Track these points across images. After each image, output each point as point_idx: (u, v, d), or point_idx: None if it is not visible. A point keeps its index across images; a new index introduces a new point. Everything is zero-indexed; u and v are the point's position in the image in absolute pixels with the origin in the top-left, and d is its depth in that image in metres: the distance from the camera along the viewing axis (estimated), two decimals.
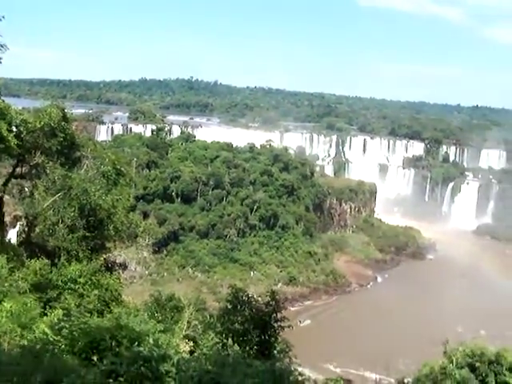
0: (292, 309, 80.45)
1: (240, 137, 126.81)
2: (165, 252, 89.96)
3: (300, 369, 12.88)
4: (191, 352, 15.06)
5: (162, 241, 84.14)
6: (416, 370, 24.98)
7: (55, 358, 9.43)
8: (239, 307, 15.66)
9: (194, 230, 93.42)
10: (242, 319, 15.33)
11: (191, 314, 16.69)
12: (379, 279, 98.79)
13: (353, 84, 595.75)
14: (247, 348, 14.63)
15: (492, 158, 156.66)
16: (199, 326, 16.73)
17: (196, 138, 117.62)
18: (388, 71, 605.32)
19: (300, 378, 12.06)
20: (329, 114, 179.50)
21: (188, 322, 16.29)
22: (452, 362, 22.20)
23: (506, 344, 24.37)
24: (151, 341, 10.20)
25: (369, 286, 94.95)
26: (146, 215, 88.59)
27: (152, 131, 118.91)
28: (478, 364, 21.71)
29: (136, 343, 9.90)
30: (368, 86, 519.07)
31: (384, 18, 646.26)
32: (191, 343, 16.07)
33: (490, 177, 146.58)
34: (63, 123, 22.80)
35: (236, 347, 14.05)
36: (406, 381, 25.14)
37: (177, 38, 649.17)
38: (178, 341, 14.72)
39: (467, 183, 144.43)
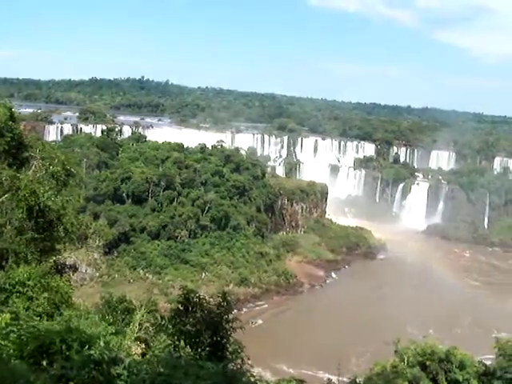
0: (244, 309, 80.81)
1: (191, 137, 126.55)
2: (116, 253, 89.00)
3: (252, 370, 12.92)
4: (143, 354, 14.91)
5: (112, 242, 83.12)
6: (368, 369, 25.32)
7: (3, 364, 9.22)
8: (190, 309, 15.61)
9: (145, 231, 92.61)
10: (193, 321, 15.27)
11: (143, 316, 16.49)
12: (331, 279, 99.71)
13: (304, 85, 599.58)
14: (199, 350, 14.57)
15: (442, 159, 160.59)
16: (151, 328, 16.55)
17: (147, 139, 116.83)
18: (339, 72, 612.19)
19: (252, 379, 12.10)
20: (280, 114, 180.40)
21: (139, 323, 16.09)
22: (403, 360, 22.78)
23: (456, 343, 25.02)
24: (102, 343, 10.05)
25: (320, 286, 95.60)
26: (96, 216, 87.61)
27: (102, 131, 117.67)
28: (428, 362, 22.34)
29: (87, 346, 9.74)
30: (319, 87, 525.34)
31: (335, 19, 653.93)
32: (143, 345, 15.90)
33: (440, 177, 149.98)
34: (10, 123, 22.26)
35: (188, 349, 13.99)
36: (358, 380, 25.33)
37: (127, 37, 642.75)
38: (129, 343, 14.55)
39: (417, 184, 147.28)
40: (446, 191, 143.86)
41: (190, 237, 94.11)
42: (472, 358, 23.97)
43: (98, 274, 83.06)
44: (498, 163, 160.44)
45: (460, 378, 21.74)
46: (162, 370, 9.64)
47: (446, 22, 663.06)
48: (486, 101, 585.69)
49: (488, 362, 24.65)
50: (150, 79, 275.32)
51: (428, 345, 23.33)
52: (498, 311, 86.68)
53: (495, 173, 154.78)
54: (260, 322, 77.50)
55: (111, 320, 17.52)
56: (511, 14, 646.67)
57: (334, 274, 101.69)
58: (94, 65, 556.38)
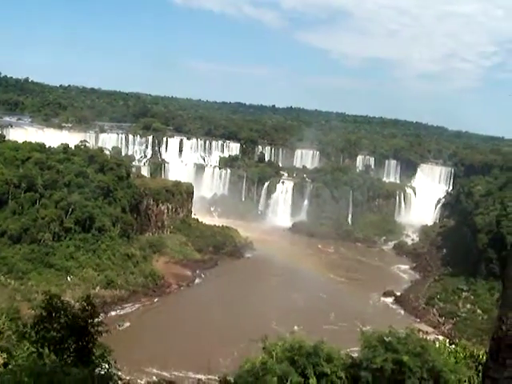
0: (112, 313, 79.18)
1: (53, 137, 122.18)
2: None
3: (120, 373, 12.78)
4: (5, 364, 14.33)
5: None
6: (237, 367, 25.72)
7: None
8: (54, 314, 15.17)
9: (5, 234, 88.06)
10: (57, 326, 14.85)
11: (4, 324, 15.80)
12: (198, 279, 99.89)
13: (169, 85, 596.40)
14: (65, 356, 14.22)
15: (306, 158, 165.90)
16: (13, 336, 15.91)
17: (6, 139, 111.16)
18: (204, 72, 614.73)
19: (120, 383, 11.98)
20: (145, 114, 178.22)
21: (1, 332, 15.42)
22: (272, 356, 22.89)
23: (322, 337, 25.81)
24: None
25: (188, 287, 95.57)
26: None
27: None
28: (297, 357, 22.27)
29: None
30: (185, 87, 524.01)
31: (201, 19, 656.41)
32: (4, 355, 15.28)
33: (304, 176, 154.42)
34: None
35: (53, 356, 13.60)
36: (228, 378, 25.56)
37: None
38: None
39: (282, 182, 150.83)
40: (311, 189, 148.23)
41: (53, 240, 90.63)
42: (339, 351, 24.77)
43: None
44: (360, 161, 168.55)
45: (328, 371, 21.99)
46: (25, 379, 9.34)
47: (309, 23, 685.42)
48: (348, 101, 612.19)
49: (354, 355, 25.82)
50: (8, 76, 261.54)
51: (296, 340, 23.36)
52: (362, 305, 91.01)
53: (358, 171, 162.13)
54: (128, 324, 76.25)
55: None
56: (367, 18, 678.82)
57: (201, 274, 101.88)
58: None
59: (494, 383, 4.42)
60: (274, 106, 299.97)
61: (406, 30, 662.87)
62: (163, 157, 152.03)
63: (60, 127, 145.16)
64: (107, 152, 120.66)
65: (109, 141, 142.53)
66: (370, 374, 22.19)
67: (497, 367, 4.43)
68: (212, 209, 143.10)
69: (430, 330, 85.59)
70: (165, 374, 58.83)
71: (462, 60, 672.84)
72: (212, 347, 64.01)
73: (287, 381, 21.70)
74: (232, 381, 24.13)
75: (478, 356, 23.28)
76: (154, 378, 53.34)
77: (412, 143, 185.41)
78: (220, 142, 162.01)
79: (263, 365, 22.40)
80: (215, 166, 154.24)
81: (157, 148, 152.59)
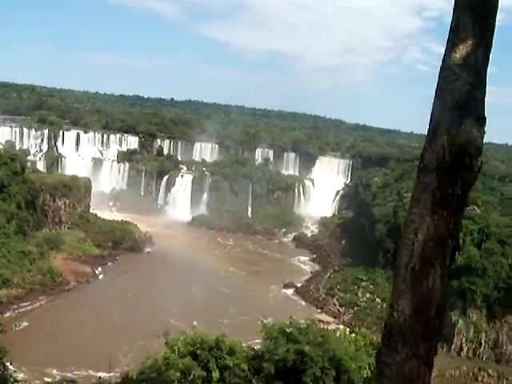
0: (8, 313, 77.55)
1: None
2: None
3: (17, 374, 13.46)
4: None
5: None
6: (139, 364, 26.60)
7: None
8: None
9: None
10: None
11: None
12: (98, 275, 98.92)
13: (65, 76, 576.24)
14: None
15: (205, 151, 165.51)
16: None
17: None
18: (101, 64, 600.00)
19: None
20: (40, 107, 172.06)
21: None
22: (174, 351, 23.30)
23: (225, 331, 26.70)
24: None
25: (88, 283, 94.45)
26: None
27: None
28: (199, 351, 23.04)
29: None
30: (81, 79, 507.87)
31: (98, 10, 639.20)
32: None
33: (204, 169, 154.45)
34: None
35: None
36: (130, 375, 26.33)
37: None
38: None
39: (181, 176, 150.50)
40: (210, 182, 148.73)
41: None
42: (240, 344, 25.68)
43: None
44: (259, 154, 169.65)
45: (231, 364, 22.84)
46: None
47: (209, 16, 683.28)
48: (248, 94, 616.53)
49: (257, 347, 27.16)
50: None
51: (198, 334, 24.15)
52: (263, 298, 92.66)
53: (257, 163, 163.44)
54: (26, 324, 74.83)
55: None
56: (267, 11, 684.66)
57: (101, 270, 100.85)
58: None
59: (387, 368, 4.75)
60: (172, 99, 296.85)
61: (306, 24, 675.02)
62: (60, 151, 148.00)
63: None
64: (0, 146, 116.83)
65: (1, 135, 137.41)
66: (272, 365, 23.29)
67: (389, 353, 4.75)
68: (111, 203, 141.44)
69: (331, 319, 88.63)
70: (65, 373, 58.71)
71: (360, 54, 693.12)
72: (112, 345, 63.72)
73: (190, 375, 22.80)
74: (134, 377, 25.11)
75: (378, 343, 25.49)
76: (55, 378, 53.34)
77: (310, 136, 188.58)
78: (118, 136, 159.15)
79: (166, 360, 23.23)
80: (113, 160, 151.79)
81: (53, 142, 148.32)
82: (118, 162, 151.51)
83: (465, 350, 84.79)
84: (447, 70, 4.69)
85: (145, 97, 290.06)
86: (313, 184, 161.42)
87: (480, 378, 79.50)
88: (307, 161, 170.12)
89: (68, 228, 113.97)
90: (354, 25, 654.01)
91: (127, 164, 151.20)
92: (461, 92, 4.58)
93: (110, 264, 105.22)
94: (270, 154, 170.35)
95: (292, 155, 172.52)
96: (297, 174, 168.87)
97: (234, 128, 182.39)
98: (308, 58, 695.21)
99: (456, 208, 4.62)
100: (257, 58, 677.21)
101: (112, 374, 43.06)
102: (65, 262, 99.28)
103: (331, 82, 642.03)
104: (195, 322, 53.31)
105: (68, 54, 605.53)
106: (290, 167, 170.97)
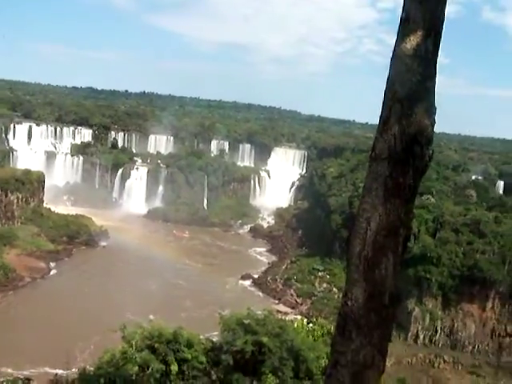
0: None
1: None
2: None
3: None
4: None
5: None
6: (96, 359, 26.32)
7: None
8: None
9: None
10: None
11: None
12: (53, 270, 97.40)
13: (16, 68, 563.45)
14: None
15: (160, 143, 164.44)
16: None
17: None
18: (53, 56, 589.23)
19: None
20: None
21: None
22: (132, 345, 23.41)
23: (182, 324, 26.63)
24: None
25: (43, 279, 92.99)
26: None
27: None
28: (157, 345, 23.25)
29: None
30: (32, 71, 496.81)
31: (47, 1, 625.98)
32: None
33: (159, 161, 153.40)
34: None
35: None
36: (87, 371, 26.04)
37: None
38: None
39: (136, 168, 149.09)
40: (166, 175, 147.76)
41: None
42: (198, 337, 25.80)
43: None
44: (214, 146, 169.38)
45: (189, 356, 23.03)
46: None
47: (162, 6, 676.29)
48: (203, 86, 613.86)
49: (215, 339, 27.17)
50: None
51: (155, 328, 24.34)
52: (220, 290, 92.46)
53: (212, 155, 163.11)
54: None
55: None
56: (220, 2, 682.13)
57: (56, 265, 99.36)
58: None
59: (342, 356, 4.79)
60: (126, 91, 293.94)
61: (260, 15, 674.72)
62: (11, 144, 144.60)
63: None
64: None
65: None
66: (230, 356, 23.55)
67: (344, 341, 4.79)
68: (65, 197, 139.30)
69: (289, 310, 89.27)
70: (21, 372, 57.72)
71: (315, 45, 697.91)
72: (69, 341, 63.18)
73: (148, 369, 22.94)
74: (92, 373, 24.87)
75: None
76: (10, 377, 52.45)
77: (266, 127, 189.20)
78: (71, 129, 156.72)
79: (123, 354, 23.30)
80: (67, 154, 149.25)
81: (3, 135, 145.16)
82: (72, 156, 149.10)
83: (421, 337, 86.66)
84: (398, 61, 4.74)
85: (98, 89, 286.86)
86: (268, 175, 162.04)
87: (436, 365, 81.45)
88: (262, 152, 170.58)
89: (21, 223, 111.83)
90: (309, 16, 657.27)
91: (81, 157, 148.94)
92: (411, 82, 4.64)
93: (65, 259, 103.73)
94: (226, 145, 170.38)
95: (247, 146, 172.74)
96: (252, 165, 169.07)
97: (189, 120, 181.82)
98: (263, 49, 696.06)
99: (408, 197, 4.68)
100: (211, 49, 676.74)
101: (69, 370, 42.65)
102: (18, 258, 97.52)
103: (287, 73, 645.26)
104: (151, 316, 53.05)
105: (18, 46, 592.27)
106: (245, 159, 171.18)
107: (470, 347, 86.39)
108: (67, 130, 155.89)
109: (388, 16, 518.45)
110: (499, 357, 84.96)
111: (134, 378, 22.83)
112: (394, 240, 4.70)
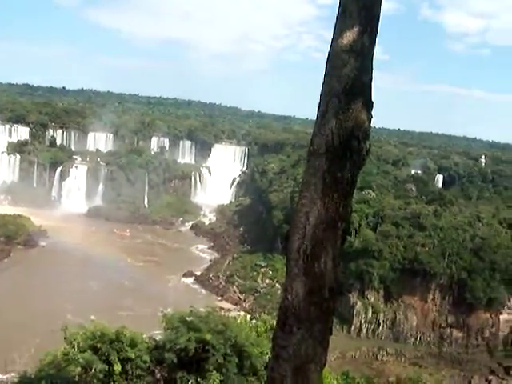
0: None
1: None
2: None
3: None
4: None
5: None
6: (37, 362, 25.70)
7: None
8: None
9: None
10: None
11: None
12: None
13: None
14: None
15: (99, 141, 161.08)
16: None
17: None
18: None
19: None
20: None
21: None
22: (74, 346, 22.78)
23: (125, 324, 26.36)
24: None
25: None
26: None
27: None
28: (100, 345, 22.73)
29: None
30: None
31: None
32: None
33: (99, 159, 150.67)
34: None
35: None
36: (28, 374, 25.39)
37: None
38: None
39: (76, 167, 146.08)
40: (106, 173, 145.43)
41: None
42: (141, 336, 25.51)
43: None
44: (155, 143, 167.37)
45: (132, 356, 22.68)
46: None
47: (101, 1, 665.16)
48: (142, 82, 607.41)
49: (158, 337, 26.89)
50: None
51: (98, 328, 23.77)
52: (163, 288, 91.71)
53: (153, 152, 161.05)
54: None
55: None
56: None
57: None
58: None
59: (283, 350, 4.84)
60: (64, 87, 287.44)
61: (200, 11, 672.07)
62: None
63: None
64: None
65: None
66: (174, 354, 23.31)
67: (285, 335, 4.84)
68: (2, 197, 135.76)
69: (232, 307, 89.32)
70: None
71: (255, 42, 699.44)
72: (6, 345, 61.44)
73: (91, 370, 22.48)
74: (33, 376, 24.26)
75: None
76: None
77: (206, 124, 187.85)
78: (7, 127, 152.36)
79: (65, 356, 22.68)
80: (3, 152, 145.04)
81: None
82: (9, 154, 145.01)
83: (364, 330, 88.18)
84: (335, 56, 4.78)
85: (35, 85, 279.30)
86: (209, 172, 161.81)
87: (380, 357, 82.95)
88: (203, 149, 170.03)
89: None
90: (249, 12, 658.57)
91: (18, 156, 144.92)
92: (348, 77, 4.69)
93: (4, 260, 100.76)
94: (166, 142, 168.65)
95: (188, 143, 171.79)
96: (193, 162, 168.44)
97: (129, 117, 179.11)
98: (203, 45, 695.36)
99: (346, 191, 4.73)
100: (152, 45, 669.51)
101: (8, 375, 41.46)
102: None
103: (227, 69, 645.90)
104: (93, 317, 52.37)
105: None
106: (186, 155, 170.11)
107: (412, 339, 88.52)
108: (3, 128, 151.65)
109: (327, 12, 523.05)
110: (440, 347, 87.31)
111: (76, 379, 22.48)
112: (333, 234, 4.74)
